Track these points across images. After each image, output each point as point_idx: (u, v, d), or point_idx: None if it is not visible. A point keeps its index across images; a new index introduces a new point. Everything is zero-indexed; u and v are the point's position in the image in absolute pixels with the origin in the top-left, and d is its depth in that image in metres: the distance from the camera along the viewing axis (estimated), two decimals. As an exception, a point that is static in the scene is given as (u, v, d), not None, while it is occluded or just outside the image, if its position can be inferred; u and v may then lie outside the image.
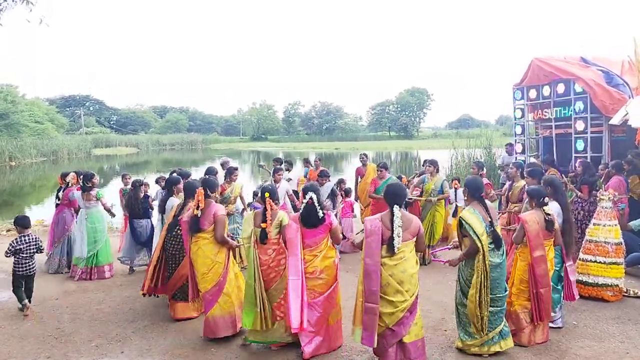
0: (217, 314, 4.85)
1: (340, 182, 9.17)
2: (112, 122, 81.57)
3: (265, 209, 4.56)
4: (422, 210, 7.68)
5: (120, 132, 71.81)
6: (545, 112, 10.27)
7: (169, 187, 6.41)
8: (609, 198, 6.04)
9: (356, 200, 9.21)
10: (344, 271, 7.28)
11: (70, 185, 7.53)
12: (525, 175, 6.11)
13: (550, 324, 5.03)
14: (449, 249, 6.58)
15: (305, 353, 4.36)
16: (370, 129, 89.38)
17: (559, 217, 4.99)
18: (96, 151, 53.24)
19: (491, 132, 22.93)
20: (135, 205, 7.30)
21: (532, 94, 10.44)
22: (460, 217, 4.49)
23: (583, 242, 6.12)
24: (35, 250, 5.81)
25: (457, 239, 4.85)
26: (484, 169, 8.15)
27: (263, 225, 4.54)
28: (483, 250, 4.28)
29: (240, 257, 6.99)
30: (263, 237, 4.55)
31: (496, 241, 4.36)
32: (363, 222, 9.28)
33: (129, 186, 8.91)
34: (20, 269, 5.74)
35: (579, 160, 8.21)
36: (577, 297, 5.13)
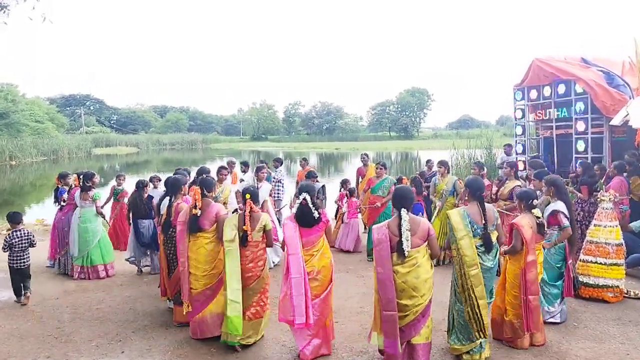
0: (213, 311, 4.87)
1: (345, 182, 9.17)
2: (112, 122, 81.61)
3: (245, 212, 4.58)
4: (434, 211, 7.72)
5: (120, 132, 71.84)
6: (541, 113, 10.26)
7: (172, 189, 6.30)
8: (609, 199, 6.04)
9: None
10: (344, 271, 7.29)
11: (73, 186, 7.52)
12: (532, 178, 6.10)
13: (551, 319, 5.03)
14: None
15: (305, 354, 4.35)
16: (370, 129, 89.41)
17: (566, 217, 5.00)
18: (96, 150, 53.24)
19: (491, 132, 22.97)
20: (140, 206, 7.30)
21: (533, 94, 10.43)
22: (447, 213, 4.47)
23: (584, 243, 6.11)
24: (27, 244, 6.08)
25: None
26: (485, 169, 8.15)
27: (244, 228, 4.55)
28: (459, 253, 4.26)
29: None
30: (244, 240, 4.58)
31: (486, 244, 4.30)
32: (364, 222, 9.34)
33: (122, 187, 8.98)
34: (15, 263, 6.03)
35: (579, 161, 8.20)
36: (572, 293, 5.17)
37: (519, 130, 11.23)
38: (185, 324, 5.17)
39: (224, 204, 7.39)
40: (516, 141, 11.31)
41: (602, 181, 7.39)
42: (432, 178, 8.23)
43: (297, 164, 13.98)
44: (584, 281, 5.86)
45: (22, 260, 6.06)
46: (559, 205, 5.08)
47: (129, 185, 9.47)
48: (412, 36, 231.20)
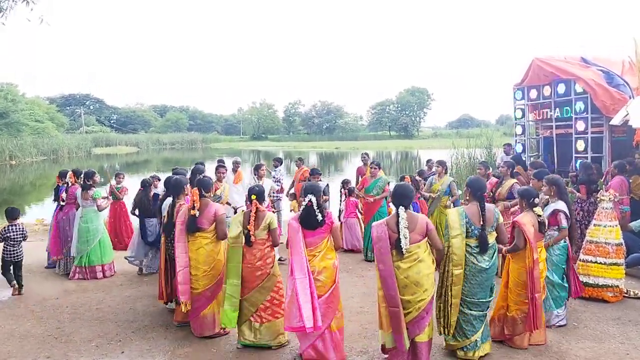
0: (215, 310, 4.91)
1: (345, 182, 9.17)
2: (112, 121, 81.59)
3: (251, 211, 4.58)
4: (428, 210, 7.74)
5: (120, 131, 71.83)
6: (541, 112, 10.25)
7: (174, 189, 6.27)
8: (609, 199, 6.04)
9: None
10: (344, 271, 7.28)
11: (70, 184, 7.51)
12: (532, 177, 6.10)
13: (559, 322, 5.04)
14: None
15: (305, 355, 4.31)
16: (370, 129, 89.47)
17: (567, 217, 5.01)
18: (96, 150, 53.23)
19: (491, 132, 22.95)
20: (147, 204, 7.29)
21: (533, 94, 10.43)
22: (446, 211, 4.48)
23: (583, 242, 6.11)
24: (22, 238, 6.44)
25: None
26: (490, 168, 8.14)
27: (248, 227, 4.56)
28: (449, 251, 4.31)
29: None
30: (248, 239, 4.58)
31: (482, 245, 4.31)
32: (363, 221, 9.33)
33: (121, 185, 8.98)
34: (9, 255, 6.35)
35: (579, 161, 8.20)
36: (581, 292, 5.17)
37: (518, 129, 11.24)
38: (185, 324, 5.16)
39: (227, 203, 7.40)
40: (516, 141, 11.31)
41: (602, 180, 7.39)
42: (430, 177, 8.26)
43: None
44: (584, 281, 5.85)
45: (16, 254, 6.37)
46: (560, 205, 5.07)
47: (129, 185, 9.48)
48: (412, 36, 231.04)
